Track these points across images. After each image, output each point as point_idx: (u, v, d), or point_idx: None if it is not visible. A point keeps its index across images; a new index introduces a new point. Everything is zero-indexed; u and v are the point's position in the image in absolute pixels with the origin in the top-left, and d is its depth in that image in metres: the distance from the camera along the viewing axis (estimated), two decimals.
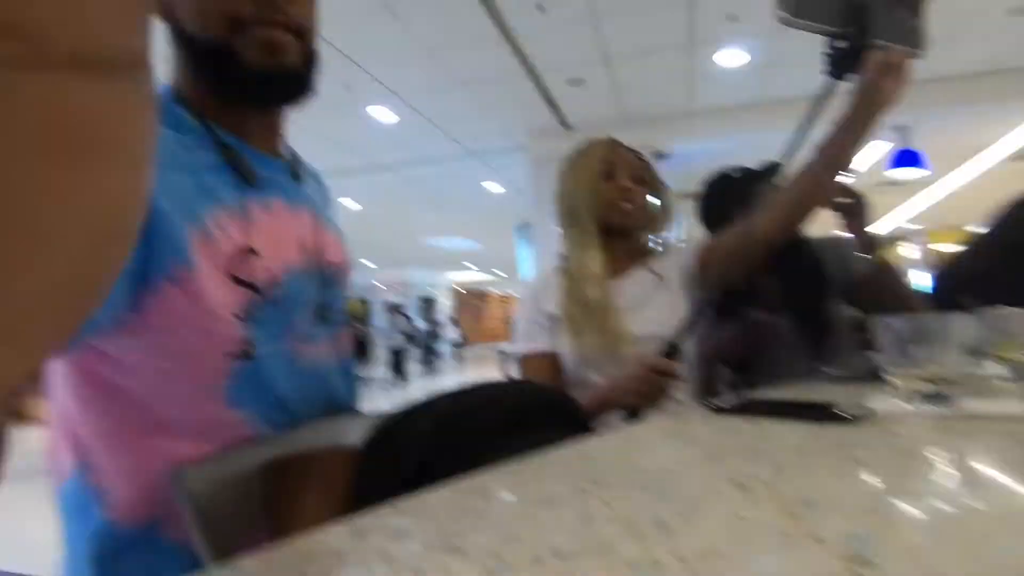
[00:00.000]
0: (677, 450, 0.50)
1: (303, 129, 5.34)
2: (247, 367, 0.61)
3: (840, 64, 0.71)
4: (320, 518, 0.53)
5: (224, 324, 0.58)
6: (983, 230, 1.67)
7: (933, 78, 4.65)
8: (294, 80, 0.63)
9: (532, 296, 1.20)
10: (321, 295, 0.72)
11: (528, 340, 1.16)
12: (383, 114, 5.05)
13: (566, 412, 0.77)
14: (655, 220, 1.21)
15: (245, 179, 0.62)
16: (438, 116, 5.16)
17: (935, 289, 1.81)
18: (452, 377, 11.71)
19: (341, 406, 0.81)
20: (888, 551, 0.27)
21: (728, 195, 1.43)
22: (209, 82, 0.62)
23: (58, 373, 0.60)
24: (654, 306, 1.11)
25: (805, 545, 0.28)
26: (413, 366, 13.46)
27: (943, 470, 0.42)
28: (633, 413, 0.90)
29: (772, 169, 1.04)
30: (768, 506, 0.33)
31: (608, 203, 1.13)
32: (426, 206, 8.65)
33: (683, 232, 5.63)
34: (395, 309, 11.34)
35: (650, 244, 1.22)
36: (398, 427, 0.66)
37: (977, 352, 1.02)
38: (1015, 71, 4.65)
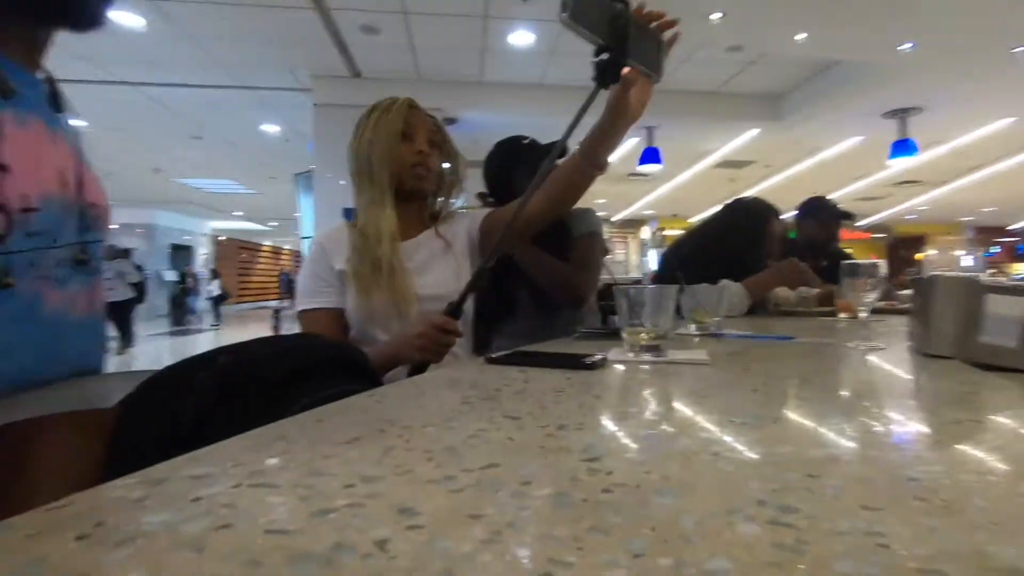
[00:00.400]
0: (460, 393, 0.58)
1: None
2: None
3: (603, 74, 0.84)
4: (58, 489, 0.47)
5: None
6: (698, 223, 2.15)
7: (673, 90, 5.58)
8: None
9: (319, 252, 1.17)
10: (80, 237, 0.63)
11: (312, 296, 1.14)
12: (125, 16, 4.13)
13: (355, 365, 0.79)
14: (447, 184, 1.27)
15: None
16: (203, 36, 4.42)
17: (660, 266, 2.26)
18: (205, 339, 10.29)
19: (83, 367, 0.71)
20: (610, 451, 0.37)
21: (514, 161, 1.59)
22: None
23: None
24: (439, 269, 1.18)
25: (557, 453, 0.37)
26: (154, 325, 11.58)
27: (648, 399, 0.57)
28: (418, 368, 0.96)
29: (553, 148, 1.20)
30: (532, 431, 0.42)
31: (405, 165, 1.15)
32: (185, 141, 7.38)
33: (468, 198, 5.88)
34: (119, 254, 8.38)
35: (439, 208, 1.28)
36: (171, 384, 0.61)
37: (681, 315, 1.32)
38: (730, 96, 5.85)
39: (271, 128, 6.80)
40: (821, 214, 2.70)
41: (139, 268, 8.78)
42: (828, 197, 2.84)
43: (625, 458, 0.36)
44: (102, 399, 0.70)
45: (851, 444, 0.40)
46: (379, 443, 0.39)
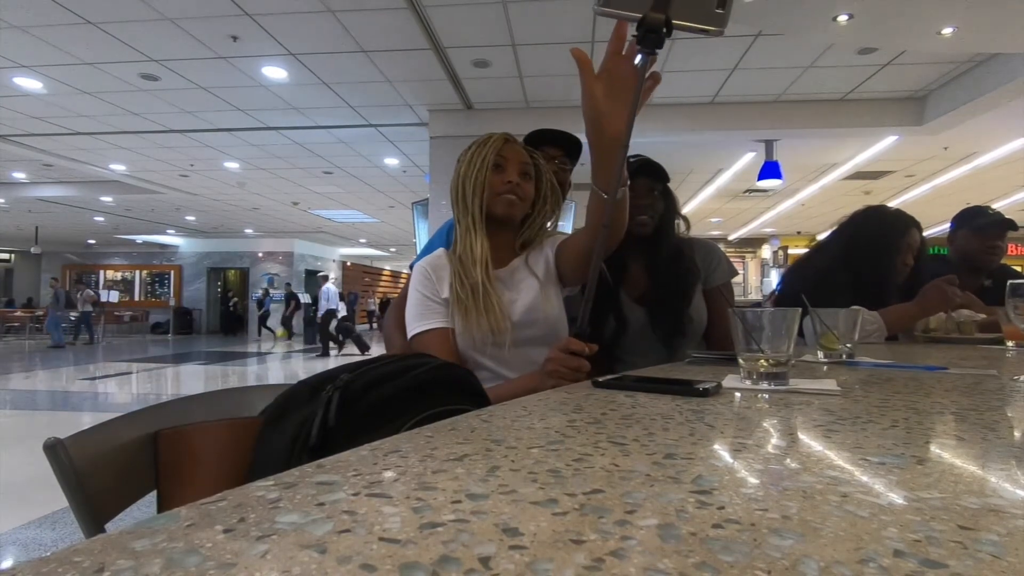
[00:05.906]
0: (565, 416, 0.58)
1: (179, 76, 4.81)
2: None
3: (644, 39, 0.75)
4: (209, 487, 0.53)
5: None
6: (822, 239, 1.97)
7: (794, 100, 5.22)
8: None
9: (427, 277, 1.21)
10: None
11: (422, 319, 1.18)
12: (271, 71, 4.69)
13: (465, 385, 0.82)
14: (539, 216, 1.29)
15: None
16: (335, 82, 4.90)
17: (780, 287, 2.10)
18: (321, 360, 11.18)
19: None
20: (722, 484, 0.35)
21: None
22: None
23: None
24: (527, 295, 1.20)
25: (664, 483, 0.35)
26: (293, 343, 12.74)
27: (767, 430, 0.53)
28: None
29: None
30: (639, 458, 0.41)
31: (493, 193, 1.19)
32: (318, 176, 8.19)
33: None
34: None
35: (529, 238, 1.30)
36: (303, 396, 0.67)
37: (806, 341, 1.21)
38: (860, 102, 5.37)
39: (392, 161, 7.34)
40: (976, 222, 2.30)
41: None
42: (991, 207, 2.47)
43: (739, 493, 0.34)
44: (248, 408, 0.78)
45: (1022, 494, 0.34)
46: (486, 462, 0.40)
